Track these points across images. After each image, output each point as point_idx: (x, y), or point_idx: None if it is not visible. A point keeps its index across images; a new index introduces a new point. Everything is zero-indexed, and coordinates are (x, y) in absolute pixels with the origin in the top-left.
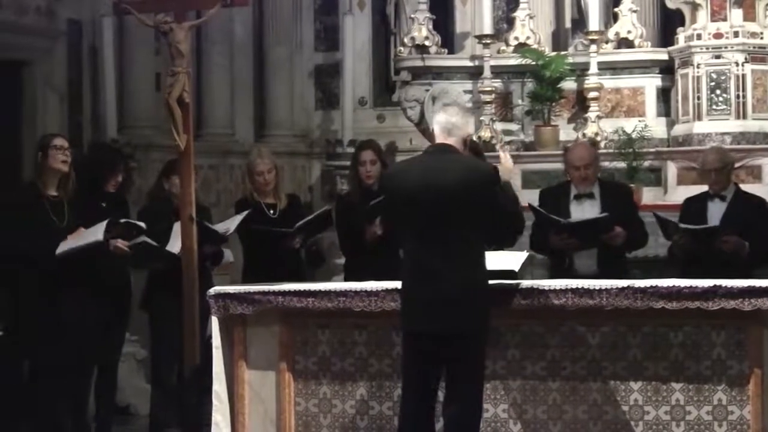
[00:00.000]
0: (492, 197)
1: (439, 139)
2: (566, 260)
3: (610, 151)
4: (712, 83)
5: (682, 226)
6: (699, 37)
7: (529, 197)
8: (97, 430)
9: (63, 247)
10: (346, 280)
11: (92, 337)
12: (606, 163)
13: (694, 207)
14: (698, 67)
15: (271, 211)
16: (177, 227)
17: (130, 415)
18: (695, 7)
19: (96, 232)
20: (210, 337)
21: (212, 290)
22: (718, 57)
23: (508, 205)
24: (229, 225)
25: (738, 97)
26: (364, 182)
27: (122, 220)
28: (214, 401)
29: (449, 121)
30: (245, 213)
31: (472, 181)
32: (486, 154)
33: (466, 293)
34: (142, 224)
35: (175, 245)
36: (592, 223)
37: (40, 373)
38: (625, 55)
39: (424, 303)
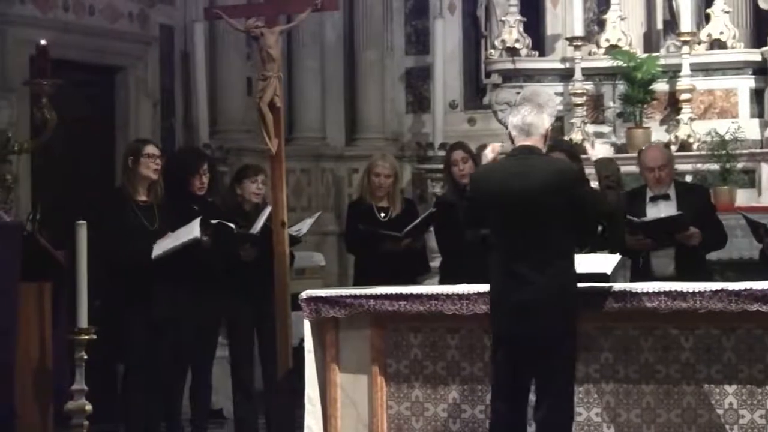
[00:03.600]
0: (578, 198)
1: (519, 141)
2: (640, 260)
3: (703, 153)
4: None
5: None
6: None
7: None
8: None
9: (159, 249)
10: (441, 281)
11: (185, 339)
12: (699, 165)
13: None
14: None
15: (382, 214)
16: (265, 211)
17: (223, 418)
18: None
19: (191, 231)
20: (302, 341)
21: (304, 294)
22: None
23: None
24: (302, 227)
25: None
26: (459, 182)
27: (213, 221)
28: (307, 405)
29: (525, 122)
30: (317, 215)
31: (557, 183)
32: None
33: (554, 297)
34: (232, 225)
35: (257, 227)
36: (665, 222)
37: (134, 375)
38: (718, 57)
39: (511, 307)
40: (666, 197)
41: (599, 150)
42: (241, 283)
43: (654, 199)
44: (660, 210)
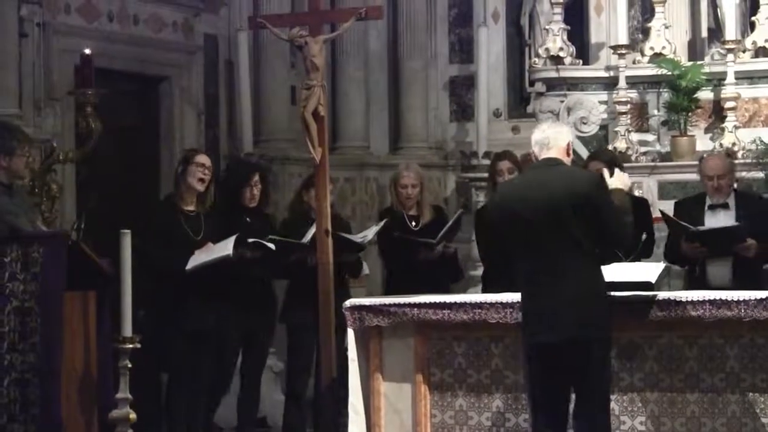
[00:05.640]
0: (598, 204)
1: (541, 155)
2: (696, 269)
3: (748, 161)
4: None
5: None
6: None
7: (667, 208)
8: None
9: (192, 262)
10: (484, 290)
11: (230, 349)
12: (744, 174)
13: None
14: None
15: (413, 223)
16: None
17: (267, 427)
18: None
19: (225, 248)
20: (347, 349)
21: (348, 302)
22: None
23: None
24: (367, 233)
25: None
26: None
27: (250, 240)
28: (351, 413)
29: (544, 136)
30: (383, 222)
31: (576, 191)
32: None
33: (582, 301)
34: (272, 245)
35: (307, 236)
36: (723, 232)
37: (176, 384)
38: (763, 64)
39: (540, 315)
40: (725, 206)
41: (614, 180)
42: (301, 292)
43: (713, 207)
44: (719, 219)
